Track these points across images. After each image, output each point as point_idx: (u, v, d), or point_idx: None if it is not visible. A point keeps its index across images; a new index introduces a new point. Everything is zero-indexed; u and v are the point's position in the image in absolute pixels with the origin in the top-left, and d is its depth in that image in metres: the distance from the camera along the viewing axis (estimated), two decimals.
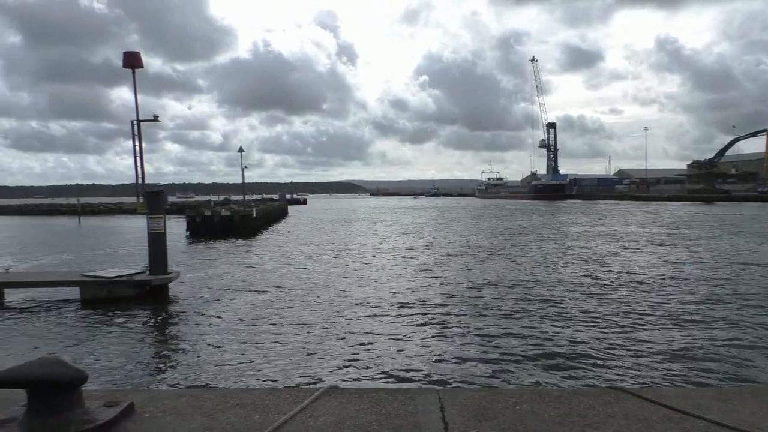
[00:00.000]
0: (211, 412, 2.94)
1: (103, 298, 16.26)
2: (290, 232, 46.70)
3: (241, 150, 52.32)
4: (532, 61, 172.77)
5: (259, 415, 2.88)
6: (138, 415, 2.93)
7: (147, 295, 16.80)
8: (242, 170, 57.61)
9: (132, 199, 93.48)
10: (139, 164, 35.45)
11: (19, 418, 2.73)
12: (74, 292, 16.87)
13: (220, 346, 11.98)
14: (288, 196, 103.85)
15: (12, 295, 17.38)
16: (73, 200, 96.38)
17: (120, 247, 35.63)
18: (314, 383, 9.35)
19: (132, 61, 32.55)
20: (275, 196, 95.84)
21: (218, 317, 14.79)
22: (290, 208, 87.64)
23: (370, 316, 14.48)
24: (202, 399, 3.14)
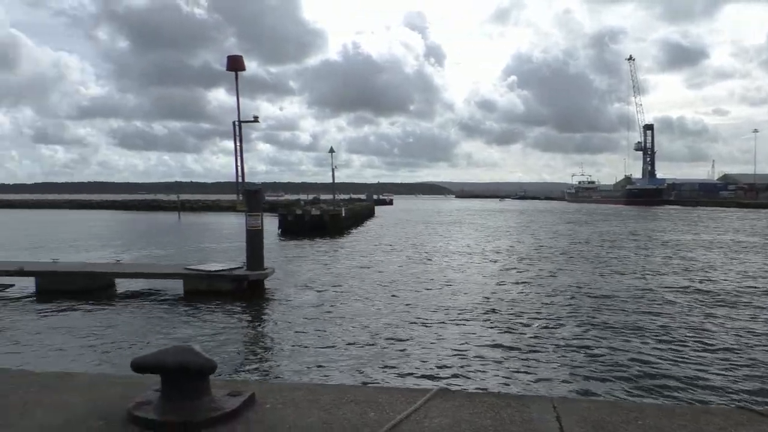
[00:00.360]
0: (328, 406, 3.02)
1: (204, 290, 17.11)
2: (377, 232, 47.24)
3: (332, 150, 53.74)
4: (628, 59, 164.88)
5: (374, 413, 2.93)
6: (259, 405, 3.06)
7: (244, 290, 17.52)
8: (332, 171, 59.08)
9: (229, 197, 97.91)
10: (239, 163, 37.20)
11: (154, 401, 2.94)
12: (177, 284, 17.87)
13: (316, 342, 12.32)
14: (374, 197, 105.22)
15: (122, 285, 18.64)
16: (173, 197, 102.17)
17: (216, 242, 37.38)
18: (417, 385, 9.40)
19: (235, 64, 34.17)
20: (362, 197, 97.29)
21: (312, 314, 15.20)
22: (377, 209, 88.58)
23: (459, 321, 14.39)
24: (318, 393, 3.24)
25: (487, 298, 17.31)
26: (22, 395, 3.28)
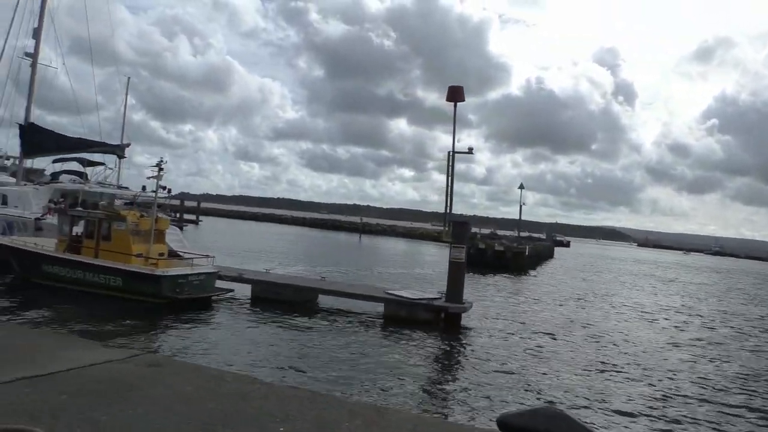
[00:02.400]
0: None
1: (403, 317, 17.03)
2: (560, 276, 44.86)
3: (521, 187, 52.48)
4: None
5: None
6: None
7: (441, 321, 17.17)
8: (520, 208, 57.71)
9: (414, 224, 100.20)
10: (448, 193, 37.85)
11: None
12: (376, 307, 18.03)
13: (523, 387, 11.47)
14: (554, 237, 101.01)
15: (324, 301, 19.28)
16: (354, 218, 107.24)
17: (393, 267, 37.91)
18: None
19: (455, 95, 34.97)
20: (541, 236, 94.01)
21: (514, 354, 14.35)
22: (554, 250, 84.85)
23: (663, 379, 12.60)
24: None
25: (673, 372, 15.11)
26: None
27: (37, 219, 22.94)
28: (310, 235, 77.42)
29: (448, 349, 14.91)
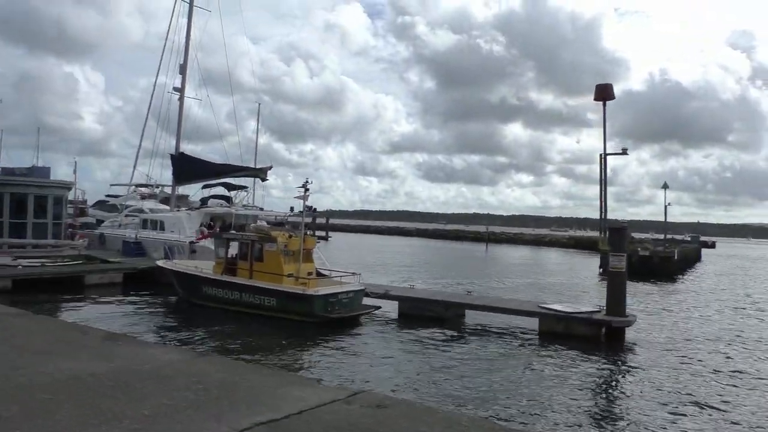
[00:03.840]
0: None
1: (560, 332, 16.01)
2: (713, 281, 40.93)
3: (665, 186, 48.75)
4: None
5: None
6: None
7: (602, 337, 15.94)
8: (665, 208, 53.42)
9: (526, 230, 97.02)
10: (602, 198, 35.93)
11: None
12: (529, 323, 17.12)
13: (710, 422, 10.12)
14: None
15: (471, 316, 18.64)
16: (477, 227, 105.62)
17: (529, 277, 36.38)
18: None
19: (603, 93, 33.37)
20: (685, 237, 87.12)
21: (691, 377, 12.88)
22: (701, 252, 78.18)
23: None
24: None
25: None
26: None
27: (191, 242, 24.40)
28: (434, 247, 77.11)
29: (615, 368, 13.69)
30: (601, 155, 38.25)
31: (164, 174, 32.31)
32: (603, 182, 37.27)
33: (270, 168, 27.84)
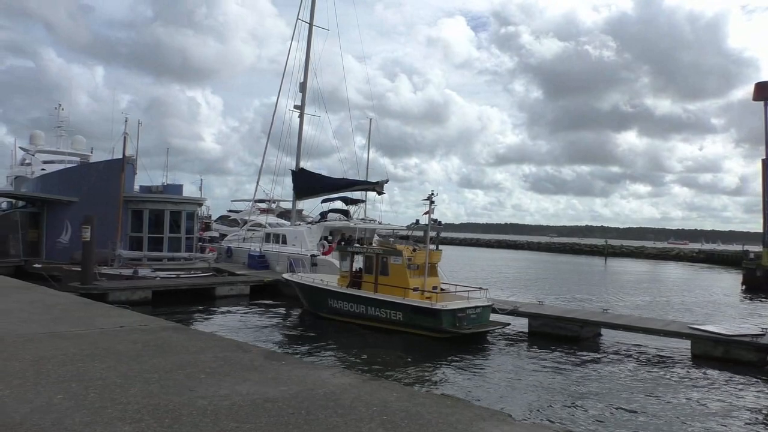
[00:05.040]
0: None
1: (718, 357, 14.37)
2: None
3: None
4: None
5: None
6: None
7: None
8: None
9: (636, 243, 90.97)
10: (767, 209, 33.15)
11: None
12: (679, 344, 15.58)
13: None
14: None
15: (608, 336, 17.29)
16: (592, 240, 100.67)
17: (661, 294, 33.65)
18: None
19: (765, 91, 30.75)
20: None
21: None
22: None
23: None
24: None
25: None
26: None
27: (312, 255, 24.74)
28: (548, 260, 74.22)
29: None
30: (763, 161, 34.91)
31: (280, 190, 33.46)
32: (766, 191, 33.91)
33: (386, 182, 27.78)
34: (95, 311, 8.04)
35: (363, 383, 5.02)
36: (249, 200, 49.66)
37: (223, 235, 40.19)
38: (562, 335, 16.83)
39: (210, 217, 49.54)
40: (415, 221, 18.40)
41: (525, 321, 17.85)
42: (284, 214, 40.73)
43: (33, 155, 43.06)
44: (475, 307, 16.75)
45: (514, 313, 17.85)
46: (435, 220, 17.60)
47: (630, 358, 15.12)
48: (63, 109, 49.47)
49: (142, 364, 5.07)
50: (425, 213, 17.39)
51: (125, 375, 4.67)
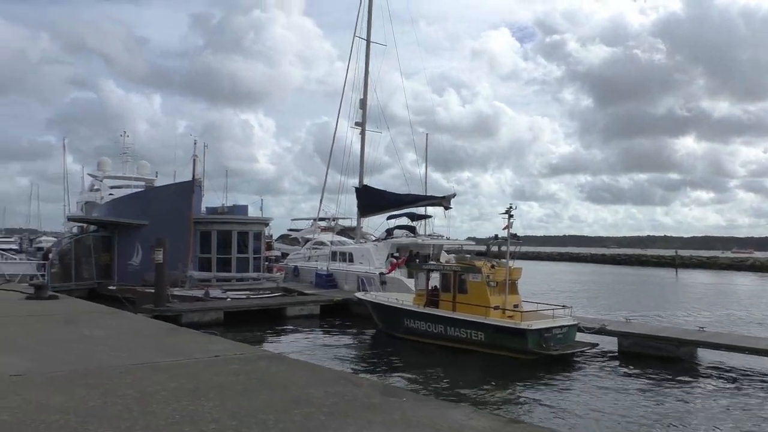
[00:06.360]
0: None
1: None
2: None
3: None
4: None
5: None
6: None
7: None
8: None
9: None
10: None
11: None
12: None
13: None
14: None
15: (705, 357, 15.96)
16: (655, 251, 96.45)
17: (754, 309, 31.41)
18: None
19: None
20: None
21: None
22: None
23: None
24: None
25: None
26: None
27: (381, 274, 24.21)
28: (614, 273, 71.28)
29: None
30: None
31: (335, 207, 33.52)
32: None
33: (454, 196, 27.06)
34: (183, 338, 7.70)
35: (504, 426, 4.36)
36: (310, 219, 49.97)
37: (284, 254, 40.24)
38: (656, 356, 15.61)
39: (271, 236, 49.88)
40: (494, 236, 17.61)
41: (612, 340, 16.69)
42: (343, 232, 40.48)
43: (101, 181, 44.47)
44: (561, 327, 15.78)
45: (602, 332, 16.73)
46: (514, 235, 16.77)
47: (736, 383, 13.82)
48: (128, 136, 51.16)
49: (251, 401, 4.58)
50: (504, 228, 16.59)
51: (237, 415, 4.17)
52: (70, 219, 40.46)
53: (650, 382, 13.79)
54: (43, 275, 24.06)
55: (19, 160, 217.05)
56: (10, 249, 46.51)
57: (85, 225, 32.85)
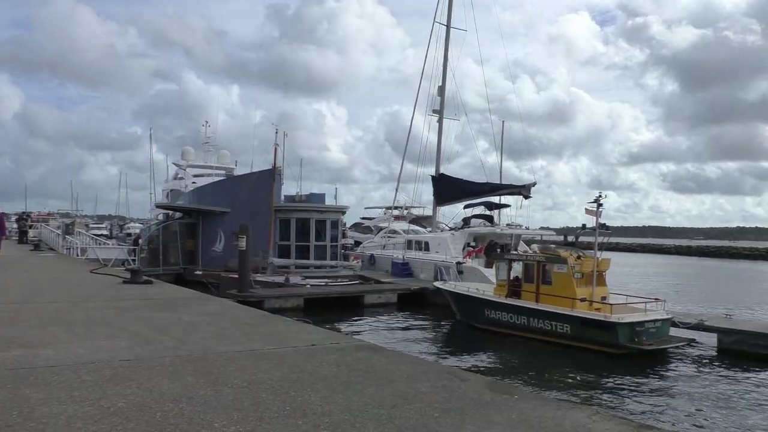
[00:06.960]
0: None
1: None
2: None
3: None
4: None
5: None
6: None
7: None
8: None
9: None
10: None
11: None
12: None
13: None
14: None
15: None
16: (745, 243, 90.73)
17: None
18: None
19: None
20: None
21: None
22: None
23: None
24: None
25: None
26: None
27: (458, 263, 23.85)
28: (702, 265, 67.70)
29: None
30: None
31: (404, 196, 33.43)
32: None
33: (534, 184, 26.29)
34: (278, 326, 7.70)
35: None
36: (383, 207, 50.04)
37: (357, 243, 40.49)
38: (763, 354, 14.55)
39: (345, 224, 50.41)
40: (581, 226, 16.90)
41: (710, 337, 15.70)
42: (416, 221, 40.27)
43: (185, 170, 46.14)
44: (654, 320, 14.97)
45: (699, 327, 15.75)
46: (603, 225, 16.02)
47: None
48: (209, 126, 52.83)
49: (359, 394, 4.44)
50: (589, 213, 15.84)
51: (349, 409, 4.04)
52: (158, 206, 42.23)
53: (762, 385, 12.86)
54: (133, 260, 25.27)
55: (109, 149, 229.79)
56: (102, 234, 49.28)
57: (170, 212, 34.16)
